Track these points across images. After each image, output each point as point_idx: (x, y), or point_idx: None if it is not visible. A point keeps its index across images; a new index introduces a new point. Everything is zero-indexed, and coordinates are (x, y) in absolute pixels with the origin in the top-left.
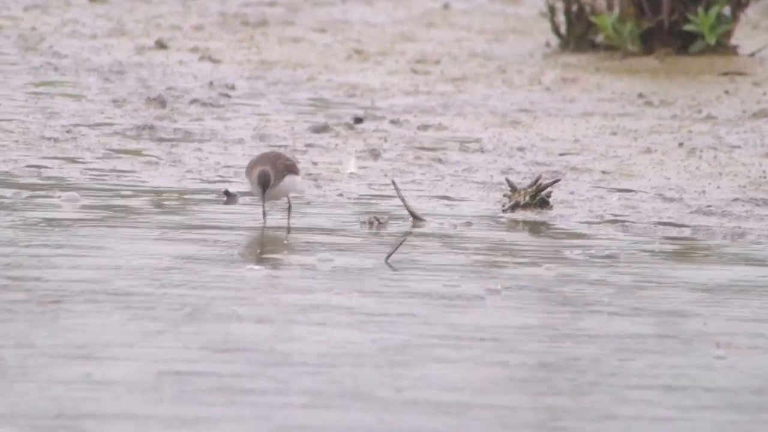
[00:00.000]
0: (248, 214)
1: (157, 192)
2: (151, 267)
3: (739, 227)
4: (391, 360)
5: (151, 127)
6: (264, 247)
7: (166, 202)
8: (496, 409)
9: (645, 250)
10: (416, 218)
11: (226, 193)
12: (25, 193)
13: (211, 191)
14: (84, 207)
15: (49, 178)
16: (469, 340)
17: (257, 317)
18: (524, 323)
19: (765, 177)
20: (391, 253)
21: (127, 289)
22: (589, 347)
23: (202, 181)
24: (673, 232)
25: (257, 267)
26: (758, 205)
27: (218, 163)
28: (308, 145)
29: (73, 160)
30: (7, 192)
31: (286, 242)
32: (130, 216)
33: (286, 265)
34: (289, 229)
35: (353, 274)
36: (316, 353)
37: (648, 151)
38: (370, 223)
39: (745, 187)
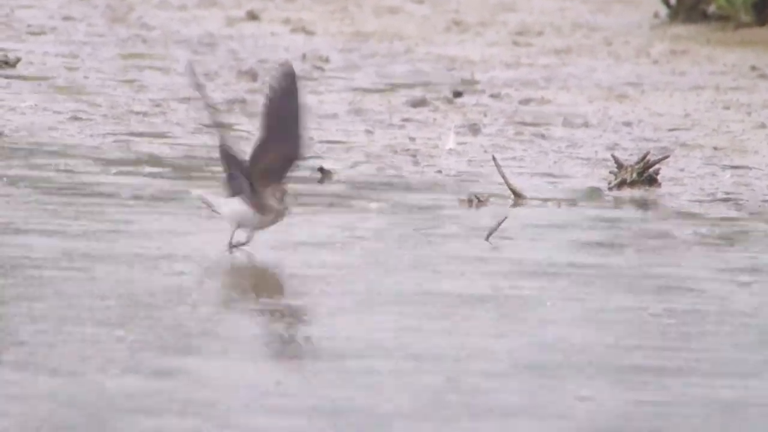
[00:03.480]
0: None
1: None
2: None
3: None
4: None
5: (243, 101)
6: None
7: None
8: None
9: None
10: (517, 196)
11: (321, 170)
12: (114, 169)
13: (304, 168)
14: None
15: (138, 153)
16: None
17: None
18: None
19: None
20: (492, 232)
21: None
22: None
23: None
24: None
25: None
26: None
27: (312, 138)
28: (405, 120)
29: (162, 135)
30: (95, 167)
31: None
32: None
33: None
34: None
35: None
36: None
37: (762, 126)
38: (470, 201)
39: None
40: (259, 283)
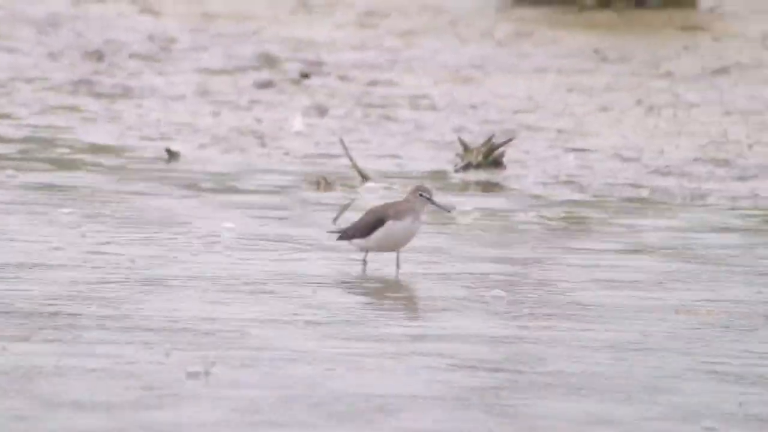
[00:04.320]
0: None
1: (95, 149)
2: None
3: (699, 188)
4: None
5: (89, 82)
6: None
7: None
8: None
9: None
10: (364, 178)
11: (168, 151)
12: None
13: (152, 149)
14: None
15: None
16: None
17: None
18: None
19: (725, 136)
20: (338, 216)
21: None
22: None
23: (143, 138)
24: (630, 192)
25: None
26: (719, 166)
27: (159, 119)
28: (253, 102)
29: (7, 116)
30: None
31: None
32: None
33: None
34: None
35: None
36: None
37: (605, 109)
38: (317, 184)
39: (705, 146)
40: None
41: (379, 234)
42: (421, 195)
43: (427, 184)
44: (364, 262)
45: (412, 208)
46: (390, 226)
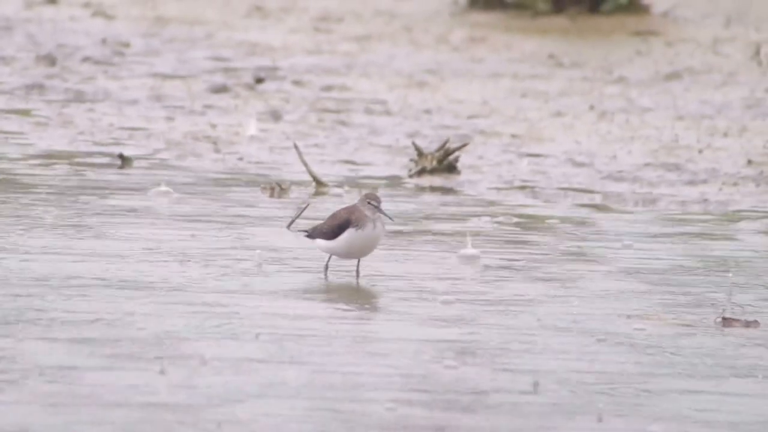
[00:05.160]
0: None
1: (47, 155)
2: None
3: (651, 193)
4: None
5: (41, 87)
6: None
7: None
8: None
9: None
10: (319, 183)
11: (121, 156)
12: None
13: (105, 154)
14: None
15: None
16: None
17: None
18: None
19: (677, 141)
20: (293, 220)
21: None
22: None
23: (96, 143)
24: (584, 198)
25: None
26: (670, 170)
27: (112, 124)
28: (207, 107)
29: None
30: None
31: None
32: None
33: None
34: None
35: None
36: None
37: (558, 114)
38: (272, 189)
39: (657, 151)
40: None
41: (341, 240)
42: (369, 203)
43: (381, 190)
44: (326, 267)
45: (367, 215)
46: (351, 233)
